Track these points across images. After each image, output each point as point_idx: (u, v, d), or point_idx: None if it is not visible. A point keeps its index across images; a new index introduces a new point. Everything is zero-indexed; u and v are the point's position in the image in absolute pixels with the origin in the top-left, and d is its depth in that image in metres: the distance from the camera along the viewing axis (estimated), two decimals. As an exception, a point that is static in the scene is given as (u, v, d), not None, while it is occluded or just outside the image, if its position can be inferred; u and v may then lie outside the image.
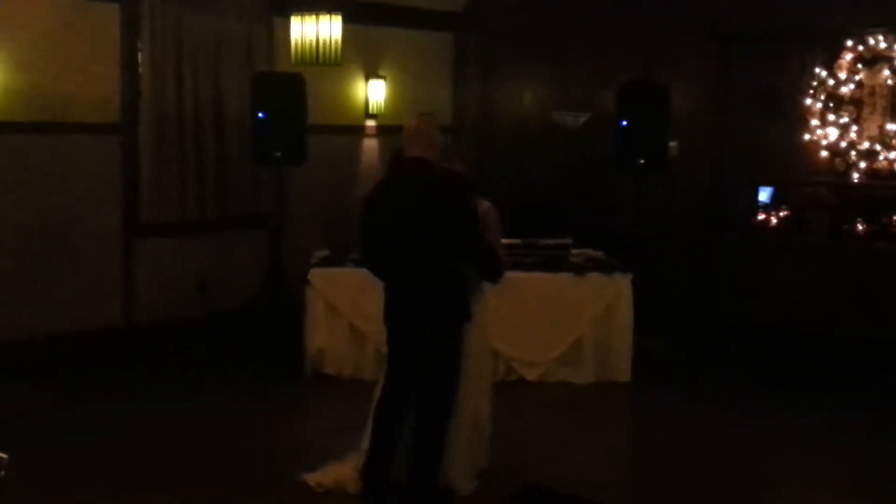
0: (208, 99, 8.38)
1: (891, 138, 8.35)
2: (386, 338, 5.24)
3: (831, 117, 8.59)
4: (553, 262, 7.60)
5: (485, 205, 5.29)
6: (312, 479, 5.34)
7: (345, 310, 7.37)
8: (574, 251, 7.84)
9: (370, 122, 9.66)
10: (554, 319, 7.44)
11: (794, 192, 8.87)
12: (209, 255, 8.56)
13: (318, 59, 7.60)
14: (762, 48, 8.98)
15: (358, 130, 9.61)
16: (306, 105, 8.10)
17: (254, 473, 5.62)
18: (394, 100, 9.64)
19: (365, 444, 5.28)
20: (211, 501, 5.28)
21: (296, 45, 7.63)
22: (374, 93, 9.56)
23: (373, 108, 9.59)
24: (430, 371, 5.08)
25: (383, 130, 9.60)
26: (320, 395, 7.18)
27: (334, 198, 9.20)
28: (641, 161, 8.52)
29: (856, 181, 8.48)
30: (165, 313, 8.24)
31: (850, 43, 8.51)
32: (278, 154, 7.99)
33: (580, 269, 7.55)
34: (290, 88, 8.03)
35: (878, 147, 8.41)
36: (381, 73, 9.63)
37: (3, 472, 4.00)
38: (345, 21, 7.64)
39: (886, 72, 8.37)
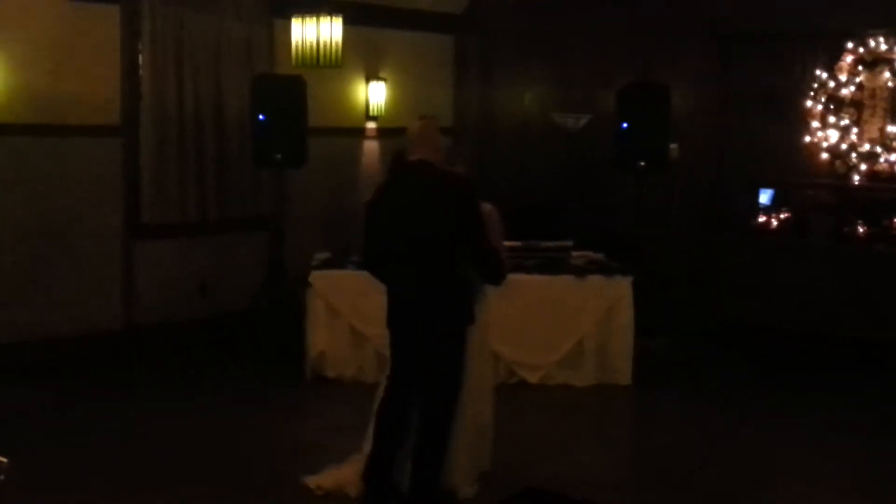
0: (209, 101, 8.38)
1: (891, 140, 8.35)
2: (388, 340, 5.23)
3: (832, 119, 8.59)
4: (554, 265, 7.60)
5: (487, 207, 5.29)
6: (313, 481, 5.33)
7: (345, 312, 7.37)
8: (575, 253, 7.84)
9: (371, 124, 9.66)
10: (555, 322, 7.44)
11: (794, 194, 8.88)
12: (210, 257, 8.56)
13: (319, 61, 7.60)
14: (762, 49, 8.98)
15: (358, 132, 9.61)
16: (307, 107, 8.10)
17: (254, 474, 5.63)
18: (394, 102, 9.64)
19: (366, 446, 5.28)
20: (211, 502, 5.29)
21: (296, 46, 7.63)
22: (374, 95, 9.56)
23: (373, 110, 9.59)
24: (433, 373, 5.08)
25: (384, 132, 9.60)
26: (321, 397, 7.18)
27: (335, 200, 9.21)
28: (642, 163, 8.53)
29: (856, 183, 8.48)
30: (166, 315, 8.24)
31: (850, 45, 8.50)
32: (279, 156, 7.99)
33: (581, 272, 7.55)
34: (291, 90, 8.03)
35: (878, 149, 8.42)
36: (382, 74, 9.63)
37: (2, 477, 3.99)
38: (345, 23, 7.64)
39: (887, 74, 8.37)
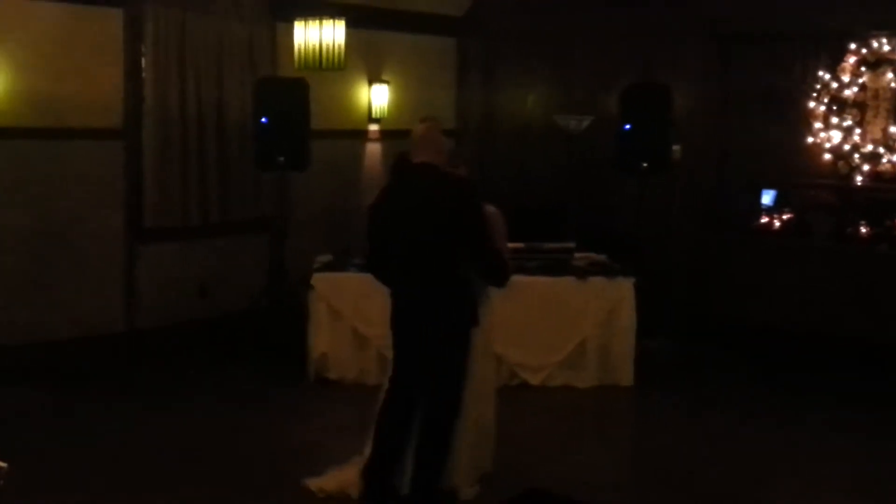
0: (211, 103, 8.39)
1: (894, 141, 8.34)
2: (391, 342, 5.24)
3: (834, 120, 8.59)
4: (556, 266, 7.60)
5: (490, 209, 5.30)
6: (314, 483, 5.34)
7: (347, 314, 7.38)
8: (577, 255, 7.84)
9: (373, 127, 9.67)
10: (557, 323, 7.44)
11: (796, 195, 8.87)
12: (212, 260, 8.57)
13: (322, 64, 7.63)
14: (763, 49, 8.98)
15: (361, 135, 9.62)
16: (309, 110, 8.11)
17: (255, 476, 5.63)
18: (397, 104, 9.66)
19: (368, 448, 5.28)
20: (212, 502, 5.31)
21: (299, 49, 7.65)
22: (377, 97, 9.57)
23: (376, 113, 9.60)
24: (436, 375, 5.09)
25: (386, 135, 9.61)
26: (322, 398, 7.18)
27: (337, 202, 9.22)
28: (644, 164, 8.53)
29: (859, 184, 8.47)
30: (168, 317, 8.25)
31: (853, 46, 8.50)
32: (281, 159, 8.00)
33: (583, 273, 7.55)
34: (294, 93, 8.04)
35: (881, 150, 8.40)
36: (385, 77, 9.64)
37: (1, 482, 4.00)
38: (348, 26, 7.66)
39: (890, 75, 8.36)
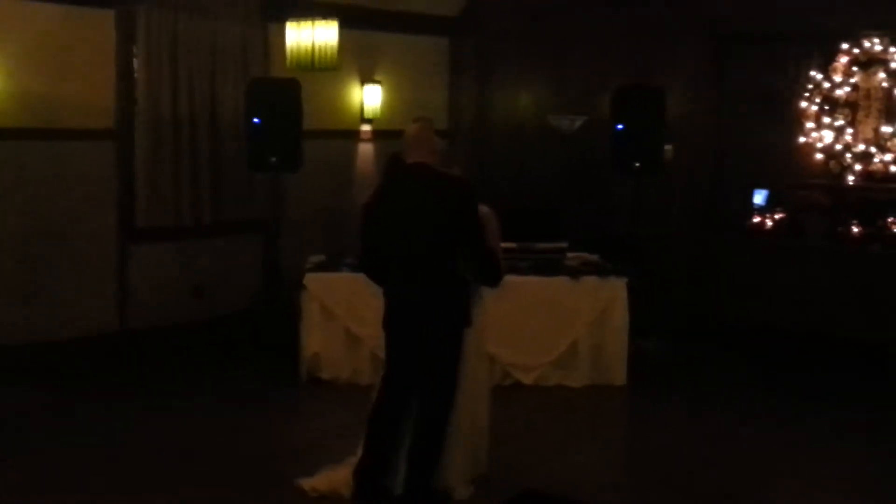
0: (204, 104, 8.37)
1: (886, 141, 8.36)
2: (384, 342, 5.24)
3: (826, 120, 8.60)
4: (549, 266, 7.60)
5: (484, 209, 5.30)
6: (307, 483, 5.33)
7: (340, 314, 7.38)
8: (570, 255, 7.85)
9: (366, 127, 9.66)
10: (550, 323, 7.45)
11: (789, 195, 8.88)
12: (205, 260, 8.56)
13: (314, 64, 7.61)
14: (758, 50, 9.00)
15: (354, 135, 9.61)
16: (302, 110, 8.09)
17: (249, 475, 5.63)
18: (390, 104, 9.64)
19: (361, 448, 5.28)
20: (208, 502, 5.31)
21: (291, 50, 7.64)
22: (369, 97, 9.56)
23: (368, 113, 9.59)
24: (431, 373, 5.09)
25: (379, 135, 9.60)
26: (316, 398, 7.18)
27: (330, 202, 9.20)
28: (637, 164, 8.54)
29: (851, 184, 8.49)
30: (161, 318, 8.24)
31: (845, 46, 8.52)
32: (274, 159, 7.98)
33: (576, 273, 7.56)
34: (286, 93, 8.03)
35: (873, 149, 8.42)
36: (377, 77, 9.63)
37: None
38: (340, 26, 7.64)
39: (881, 74, 8.38)
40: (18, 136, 7.43)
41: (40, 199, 7.62)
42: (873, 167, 8.42)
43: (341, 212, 8.96)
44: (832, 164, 8.59)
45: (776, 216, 8.78)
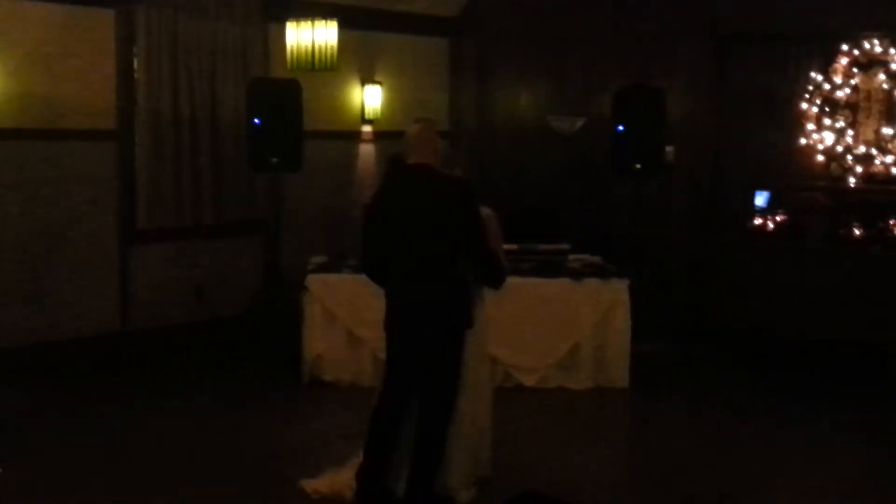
0: (204, 105, 8.36)
1: (886, 142, 8.37)
2: (385, 343, 5.23)
3: (827, 121, 8.61)
4: (551, 268, 7.59)
5: (486, 211, 5.29)
6: (309, 485, 5.34)
7: (342, 315, 7.37)
8: (571, 256, 7.83)
9: (366, 128, 9.65)
10: (552, 325, 7.44)
11: (790, 197, 8.88)
12: (205, 261, 8.55)
13: (314, 65, 7.61)
14: (758, 50, 8.99)
15: (354, 136, 9.59)
16: (302, 111, 8.07)
17: (251, 477, 5.62)
18: (390, 105, 9.63)
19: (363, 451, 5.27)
20: (209, 503, 5.30)
21: (291, 50, 7.64)
22: (370, 98, 9.55)
23: (369, 114, 9.58)
24: (432, 375, 5.08)
25: (380, 136, 9.59)
26: (317, 400, 7.17)
27: (331, 203, 9.20)
28: (638, 165, 8.53)
29: (852, 185, 8.49)
30: (162, 319, 8.23)
31: (845, 47, 8.52)
32: (275, 160, 7.96)
33: (578, 275, 7.55)
34: (286, 94, 8.01)
35: (873, 151, 8.43)
36: (378, 78, 9.62)
37: None
38: (340, 26, 7.64)
39: (882, 76, 8.39)
40: (18, 136, 7.42)
41: (41, 200, 7.60)
42: (874, 169, 8.42)
43: (342, 212, 8.96)
44: (833, 166, 8.60)
45: (778, 218, 8.78)
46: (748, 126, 9.02)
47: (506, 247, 5.66)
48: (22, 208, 7.52)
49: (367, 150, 9.67)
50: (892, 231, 8.18)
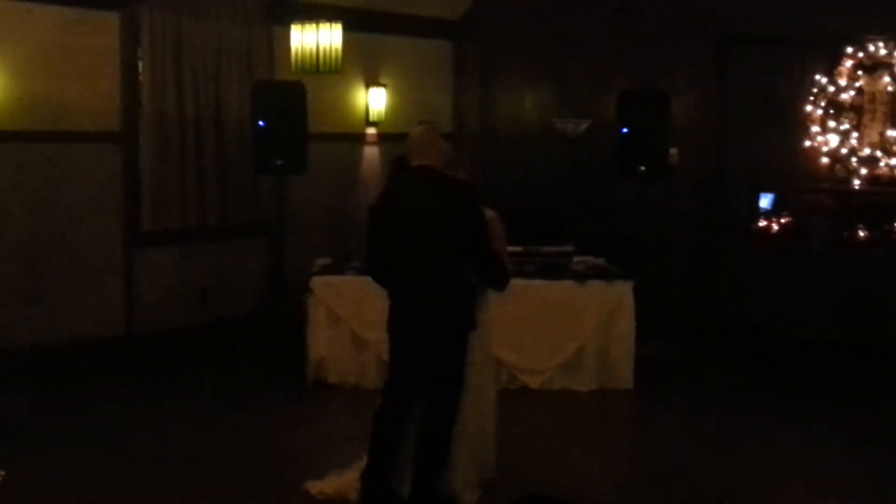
0: (209, 107, 8.37)
1: (891, 145, 8.36)
2: (389, 345, 5.22)
3: (832, 124, 8.60)
4: (555, 270, 7.59)
5: (489, 213, 5.29)
6: (314, 487, 5.34)
7: (346, 318, 7.37)
8: (576, 258, 7.83)
9: (371, 130, 9.66)
10: (556, 327, 7.43)
11: (794, 199, 8.87)
12: (210, 264, 8.55)
13: (319, 67, 7.63)
14: (762, 52, 8.98)
15: (358, 138, 9.61)
16: (307, 113, 8.08)
17: (255, 479, 5.62)
18: (394, 107, 9.64)
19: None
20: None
21: (296, 53, 7.65)
22: (374, 100, 9.56)
23: (373, 116, 9.59)
24: (436, 377, 5.08)
25: (384, 138, 9.60)
26: (322, 402, 7.16)
27: (335, 205, 9.21)
28: (642, 167, 8.53)
29: (857, 188, 8.49)
30: (167, 322, 8.23)
31: (850, 50, 8.51)
32: (279, 162, 7.97)
33: (582, 277, 7.54)
34: (291, 96, 8.02)
35: (878, 153, 8.42)
36: (382, 80, 9.63)
37: None
38: (345, 29, 7.66)
39: (887, 78, 8.38)
40: (23, 138, 7.43)
41: (45, 202, 7.62)
42: (879, 171, 8.42)
43: (346, 215, 8.96)
44: (838, 168, 8.59)
45: (782, 220, 8.77)
46: (750, 127, 9.01)
47: (509, 249, 5.67)
48: (26, 210, 7.53)
49: (371, 152, 9.68)
50: (896, 233, 8.19)
